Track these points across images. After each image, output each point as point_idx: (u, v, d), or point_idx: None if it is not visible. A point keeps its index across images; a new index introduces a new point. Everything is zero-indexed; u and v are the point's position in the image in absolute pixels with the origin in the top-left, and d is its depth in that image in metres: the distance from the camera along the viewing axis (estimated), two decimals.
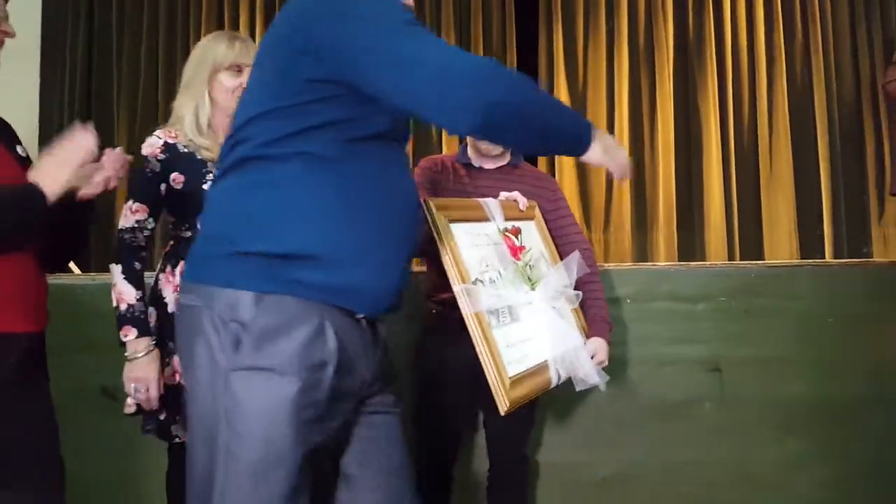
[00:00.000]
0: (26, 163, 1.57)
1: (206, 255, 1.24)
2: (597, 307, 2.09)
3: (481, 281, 1.72)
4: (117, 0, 4.88)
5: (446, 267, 1.67)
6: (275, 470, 1.15)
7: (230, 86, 1.96)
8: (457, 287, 1.65)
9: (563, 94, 4.69)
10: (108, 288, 1.92)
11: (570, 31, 4.80)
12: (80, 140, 1.47)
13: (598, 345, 2.00)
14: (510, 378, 1.67)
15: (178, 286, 1.87)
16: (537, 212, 2.12)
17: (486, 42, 4.80)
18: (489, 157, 2.16)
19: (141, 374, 1.87)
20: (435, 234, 1.68)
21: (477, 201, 1.93)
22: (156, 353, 1.90)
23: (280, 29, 1.25)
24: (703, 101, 4.73)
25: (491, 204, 1.94)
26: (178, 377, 1.89)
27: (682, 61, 4.78)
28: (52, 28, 4.81)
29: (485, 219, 1.89)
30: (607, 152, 1.35)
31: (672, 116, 4.73)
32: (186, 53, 2.07)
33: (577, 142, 1.32)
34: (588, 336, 2.02)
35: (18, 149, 1.59)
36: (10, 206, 1.39)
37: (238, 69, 1.96)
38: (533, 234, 2.05)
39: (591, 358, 1.95)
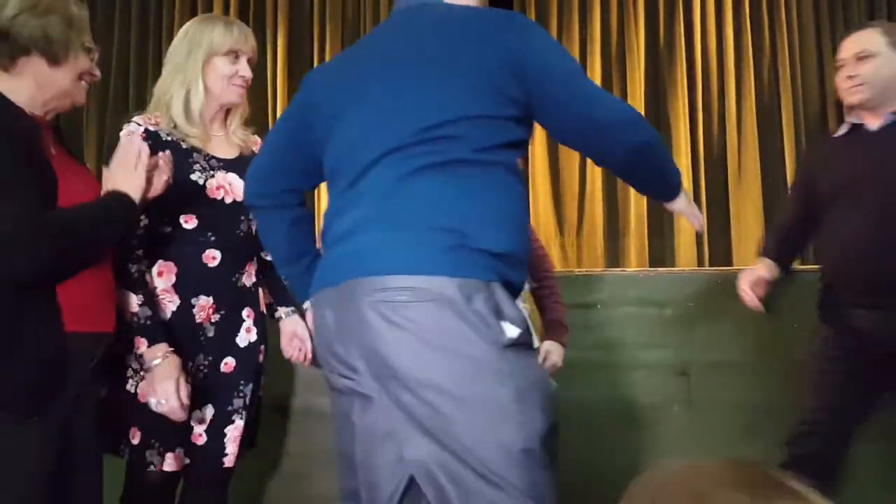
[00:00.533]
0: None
1: (439, 247, 1.26)
2: (553, 310, 2.09)
3: None
4: None
5: None
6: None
7: (227, 73, 1.83)
8: None
9: None
10: None
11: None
12: (138, 146, 1.56)
13: (551, 347, 2.01)
14: None
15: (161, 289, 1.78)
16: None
17: None
18: None
19: (160, 385, 1.66)
20: None
21: None
22: (174, 359, 1.70)
23: (485, 44, 1.34)
24: (673, 107, 4.79)
25: None
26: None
27: (652, 68, 4.84)
28: None
29: None
30: (689, 202, 1.50)
31: None
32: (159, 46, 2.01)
33: (675, 188, 1.48)
34: (543, 339, 2.02)
35: None
36: (116, 219, 1.48)
37: (235, 56, 1.85)
38: None
39: (543, 361, 1.96)
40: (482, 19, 1.39)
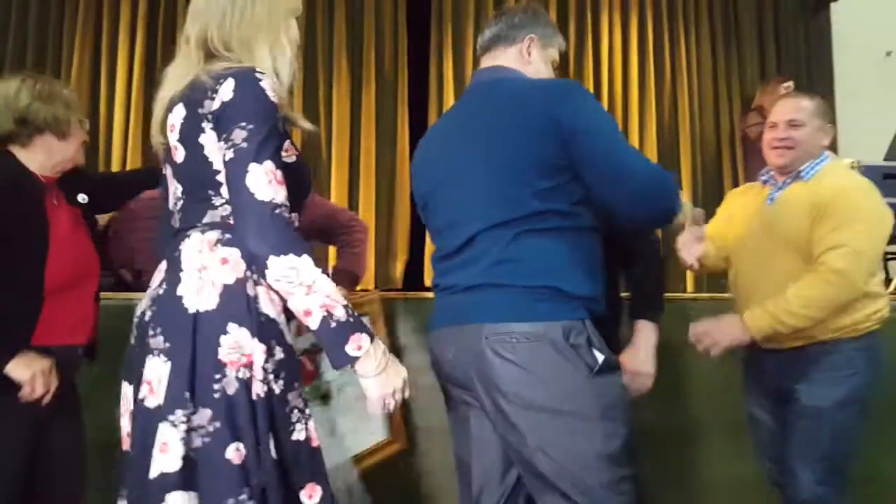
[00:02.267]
0: (85, 207, 1.93)
1: (537, 300, 1.53)
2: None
3: None
4: None
5: None
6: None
7: (297, 39, 1.48)
8: None
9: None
10: None
11: (460, 51, 4.94)
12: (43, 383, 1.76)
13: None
14: None
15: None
16: (375, 305, 2.14)
17: (379, 63, 4.87)
18: None
19: (395, 380, 1.38)
20: None
21: None
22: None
23: (525, 117, 1.56)
24: None
25: None
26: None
27: None
28: None
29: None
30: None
31: None
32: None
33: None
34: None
35: (79, 197, 1.92)
36: None
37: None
38: None
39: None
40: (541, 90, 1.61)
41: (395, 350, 2.20)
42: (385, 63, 4.86)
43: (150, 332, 1.31)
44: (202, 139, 1.34)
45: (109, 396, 1.50)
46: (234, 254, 1.33)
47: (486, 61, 1.74)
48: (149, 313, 1.34)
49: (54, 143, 1.81)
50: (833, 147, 2.40)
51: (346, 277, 2.11)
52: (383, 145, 4.76)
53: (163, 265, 1.40)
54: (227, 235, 1.34)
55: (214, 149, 1.33)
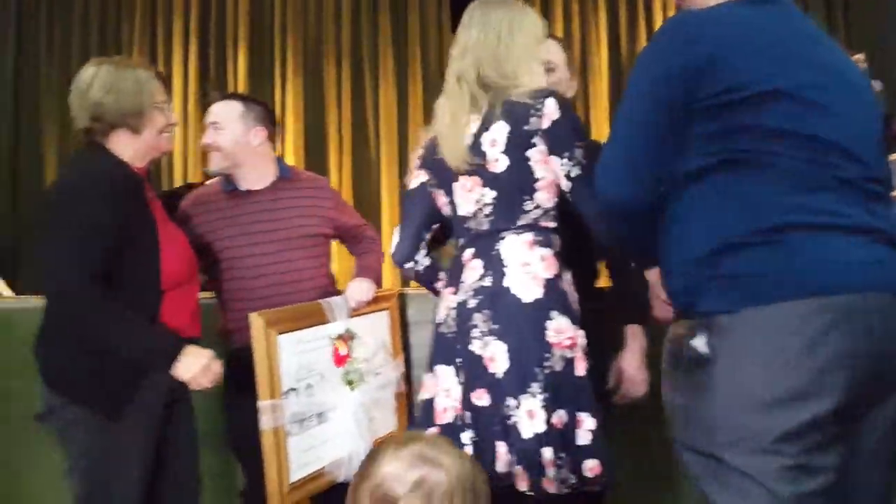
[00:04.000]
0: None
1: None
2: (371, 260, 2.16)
3: (295, 389, 1.80)
4: None
5: (258, 380, 1.73)
6: None
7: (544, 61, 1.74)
8: (261, 403, 1.73)
9: None
10: None
11: None
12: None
13: (360, 285, 2.05)
14: (291, 484, 1.76)
15: None
16: (394, 301, 2.18)
17: (425, 56, 4.86)
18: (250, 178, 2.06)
19: None
20: (255, 348, 1.74)
21: (319, 304, 1.92)
22: None
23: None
24: None
25: (336, 304, 1.95)
26: None
27: (616, 79, 4.93)
28: None
29: (323, 322, 1.91)
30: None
31: None
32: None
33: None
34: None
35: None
36: (145, 353, 1.65)
37: None
38: (379, 326, 2.11)
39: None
40: None
41: (406, 346, 2.24)
42: (430, 55, 4.84)
43: (478, 318, 1.53)
44: (529, 152, 1.53)
45: None
46: (548, 253, 1.56)
47: None
48: (473, 302, 1.54)
49: (130, 137, 1.70)
50: None
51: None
52: None
53: (476, 262, 1.58)
54: (541, 237, 1.56)
55: (540, 160, 1.54)
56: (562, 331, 1.51)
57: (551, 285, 1.52)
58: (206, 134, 2.03)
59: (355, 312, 1.99)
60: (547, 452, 1.45)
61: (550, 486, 1.46)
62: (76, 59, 4.66)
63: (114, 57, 1.80)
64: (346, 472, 1.87)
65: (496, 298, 1.52)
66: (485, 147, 1.55)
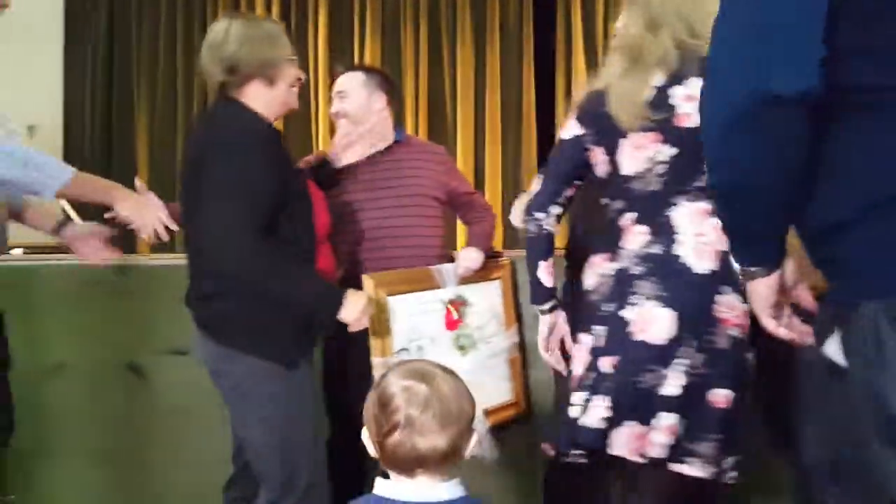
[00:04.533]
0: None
1: None
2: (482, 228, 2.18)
3: (407, 350, 1.86)
4: None
5: (371, 338, 1.81)
6: None
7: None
8: (374, 359, 1.80)
9: (581, 73, 4.69)
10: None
11: (590, 6, 4.76)
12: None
13: (469, 253, 2.06)
14: None
15: None
16: (506, 271, 2.18)
17: (504, 20, 4.81)
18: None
19: None
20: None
21: (429, 270, 2.00)
22: None
23: None
24: None
25: (446, 270, 2.02)
26: None
27: None
28: (75, 11, 4.90)
29: (433, 287, 1.99)
30: None
31: None
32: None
33: None
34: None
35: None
36: (316, 301, 1.71)
37: None
38: (491, 296, 2.14)
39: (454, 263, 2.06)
40: None
41: (519, 316, 2.22)
42: (510, 19, 4.79)
43: (641, 284, 1.48)
44: None
45: None
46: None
47: None
48: (638, 269, 1.50)
49: (263, 89, 1.70)
50: None
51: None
52: (509, 106, 4.73)
53: (640, 227, 1.53)
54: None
55: None
56: (732, 307, 1.47)
57: (725, 258, 1.43)
58: (333, 104, 2.16)
59: (465, 280, 2.06)
60: (668, 419, 1.44)
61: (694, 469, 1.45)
62: (164, 38, 4.85)
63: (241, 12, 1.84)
64: None
65: (666, 266, 1.48)
66: (674, 101, 1.49)
